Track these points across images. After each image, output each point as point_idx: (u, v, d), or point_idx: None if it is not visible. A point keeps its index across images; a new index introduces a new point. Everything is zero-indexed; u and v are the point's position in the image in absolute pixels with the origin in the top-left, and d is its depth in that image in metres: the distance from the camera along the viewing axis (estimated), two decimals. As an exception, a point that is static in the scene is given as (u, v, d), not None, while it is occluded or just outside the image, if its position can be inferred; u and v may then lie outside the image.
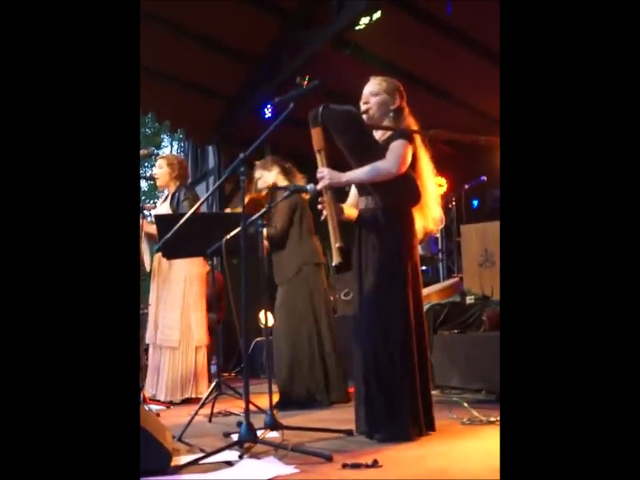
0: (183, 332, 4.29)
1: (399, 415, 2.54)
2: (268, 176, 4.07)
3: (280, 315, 3.92)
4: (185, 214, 4.07)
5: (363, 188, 2.77)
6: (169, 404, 4.17)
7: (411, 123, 2.79)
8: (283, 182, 4.01)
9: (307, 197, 3.96)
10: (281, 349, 3.86)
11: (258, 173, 4.09)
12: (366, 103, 2.78)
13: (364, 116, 2.76)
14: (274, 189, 3.91)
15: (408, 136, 2.66)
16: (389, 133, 2.72)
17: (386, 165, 2.59)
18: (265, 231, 3.83)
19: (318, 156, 2.68)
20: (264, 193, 4.00)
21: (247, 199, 3.86)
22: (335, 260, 2.53)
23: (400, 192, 2.68)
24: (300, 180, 4.00)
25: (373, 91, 2.78)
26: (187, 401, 4.22)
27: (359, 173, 2.63)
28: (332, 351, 3.90)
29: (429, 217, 2.81)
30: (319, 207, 2.68)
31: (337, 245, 2.53)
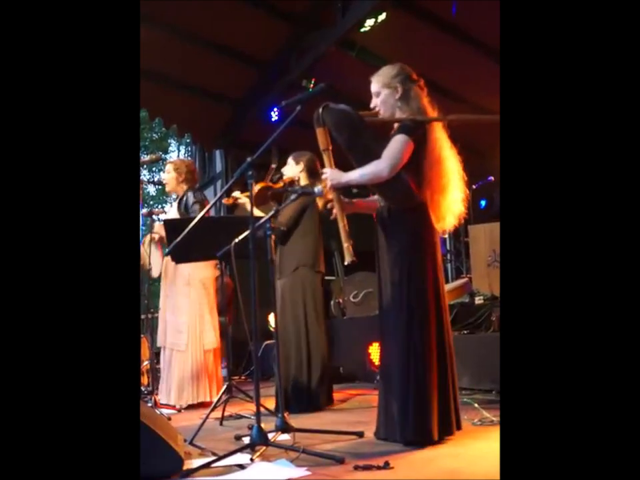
0: (191, 335, 4.29)
1: (407, 417, 2.49)
2: (290, 170, 4.05)
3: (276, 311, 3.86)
4: (194, 218, 4.12)
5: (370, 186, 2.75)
6: (180, 407, 4.18)
7: (425, 102, 2.71)
8: (304, 180, 4.00)
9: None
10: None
11: (288, 160, 4.08)
12: (375, 105, 2.76)
13: (379, 116, 2.74)
14: (285, 189, 3.91)
15: (410, 129, 2.59)
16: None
17: (375, 168, 2.55)
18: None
19: (324, 155, 2.70)
20: (280, 183, 3.99)
21: (258, 187, 3.88)
22: (347, 259, 2.52)
23: (393, 192, 2.64)
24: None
25: (374, 91, 2.75)
26: (197, 404, 4.22)
27: (355, 174, 2.62)
28: (318, 355, 3.85)
29: (453, 197, 2.70)
30: (329, 206, 2.68)
31: (346, 244, 2.53)
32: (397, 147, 2.56)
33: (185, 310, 4.31)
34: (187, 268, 4.29)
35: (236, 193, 4.11)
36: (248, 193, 3.77)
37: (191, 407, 4.21)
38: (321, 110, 2.63)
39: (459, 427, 2.61)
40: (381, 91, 2.72)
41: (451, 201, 2.69)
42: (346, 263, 2.54)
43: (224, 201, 3.82)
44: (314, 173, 3.99)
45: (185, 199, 4.45)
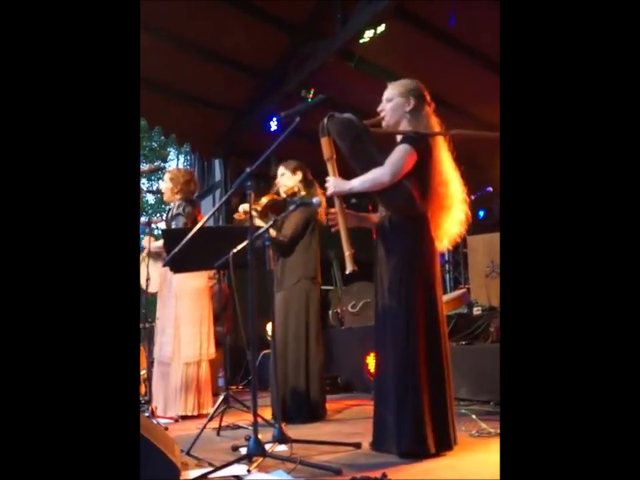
0: (175, 348, 4.26)
1: (403, 429, 2.47)
2: (289, 180, 4.03)
3: (276, 323, 3.84)
4: (182, 228, 4.11)
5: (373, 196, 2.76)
6: (177, 417, 4.16)
7: (433, 122, 2.74)
8: (302, 191, 4.00)
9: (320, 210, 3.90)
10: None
11: (281, 170, 4.06)
12: (382, 110, 2.78)
13: (383, 123, 2.76)
14: (286, 200, 3.91)
15: (414, 140, 2.61)
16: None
17: (377, 174, 2.57)
18: (272, 233, 3.82)
19: (328, 165, 2.71)
20: (283, 194, 3.98)
21: (266, 199, 3.86)
22: (348, 268, 2.52)
23: (394, 199, 2.64)
24: (320, 195, 3.80)
25: (387, 96, 2.78)
26: (184, 417, 4.19)
27: (359, 181, 2.62)
28: (317, 369, 3.83)
29: (454, 219, 2.71)
30: (330, 216, 2.68)
31: (347, 252, 2.53)
32: (399, 154, 2.58)
33: (172, 322, 4.29)
34: (174, 280, 4.26)
35: (246, 206, 4.04)
36: (256, 205, 3.78)
37: (187, 416, 4.19)
38: (326, 120, 2.67)
39: (454, 442, 2.58)
40: (394, 98, 2.75)
41: (452, 223, 2.71)
42: (347, 272, 2.53)
43: (235, 216, 3.80)
44: (309, 182, 4.00)
45: (171, 209, 4.47)
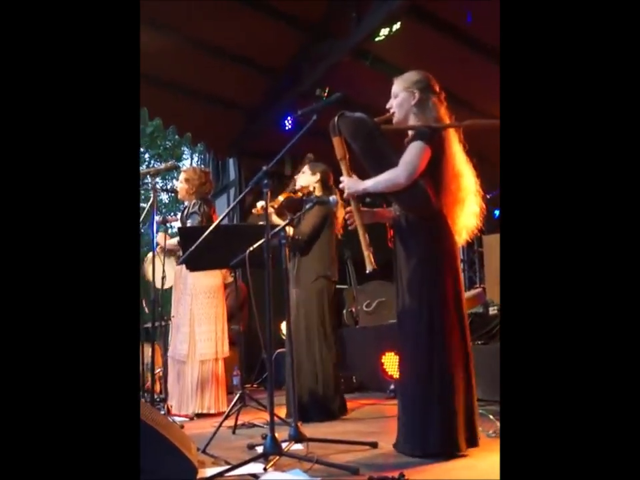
0: (191, 346, 4.29)
1: (430, 428, 2.44)
2: (307, 178, 4.05)
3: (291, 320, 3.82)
4: (197, 226, 4.13)
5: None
6: (192, 415, 4.18)
7: (442, 113, 2.69)
8: (319, 191, 4.01)
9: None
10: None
11: (304, 169, 4.08)
12: (391, 106, 2.75)
13: (393, 119, 2.73)
14: (302, 199, 3.92)
15: (426, 135, 2.56)
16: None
17: (392, 175, 2.53)
18: (291, 230, 3.83)
19: (341, 164, 2.70)
20: (299, 193, 4.00)
21: (282, 197, 3.88)
22: (368, 267, 2.51)
23: (411, 200, 2.60)
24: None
25: (393, 92, 2.75)
26: (199, 415, 4.21)
27: (373, 182, 2.60)
28: (332, 366, 3.85)
29: (469, 211, 2.68)
30: (346, 216, 2.67)
31: (366, 252, 2.52)
32: (414, 153, 2.53)
33: (188, 319, 4.32)
34: (189, 277, 4.29)
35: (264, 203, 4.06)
36: (273, 203, 3.79)
37: (203, 415, 4.20)
38: (336, 119, 2.64)
39: (477, 442, 2.55)
40: (399, 94, 2.72)
41: (467, 216, 2.68)
42: (368, 272, 2.52)
43: (254, 211, 3.82)
44: (328, 185, 4.00)
45: (187, 208, 4.50)
